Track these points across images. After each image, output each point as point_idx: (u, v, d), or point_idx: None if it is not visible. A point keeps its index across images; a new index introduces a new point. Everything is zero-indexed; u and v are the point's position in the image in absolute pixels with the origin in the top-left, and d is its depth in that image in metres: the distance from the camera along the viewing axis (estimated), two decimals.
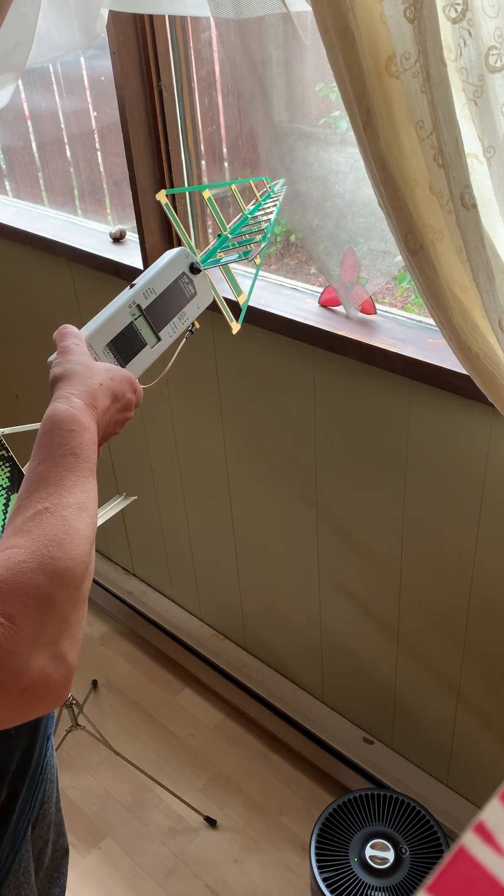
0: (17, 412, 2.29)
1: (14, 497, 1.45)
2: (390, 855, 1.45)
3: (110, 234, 1.74)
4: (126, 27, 1.38)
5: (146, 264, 1.58)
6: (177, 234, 1.59)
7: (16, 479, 1.44)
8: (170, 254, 0.89)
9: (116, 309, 0.85)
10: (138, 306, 0.85)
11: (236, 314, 0.99)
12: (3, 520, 1.46)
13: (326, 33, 0.82)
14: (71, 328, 0.81)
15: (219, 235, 0.99)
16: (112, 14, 1.33)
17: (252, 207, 1.03)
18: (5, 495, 1.44)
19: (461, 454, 1.25)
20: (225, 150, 1.60)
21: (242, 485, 1.71)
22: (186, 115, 1.50)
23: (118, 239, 1.72)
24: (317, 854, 1.46)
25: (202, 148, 1.55)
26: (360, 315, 1.33)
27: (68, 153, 1.90)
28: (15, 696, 0.54)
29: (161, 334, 0.87)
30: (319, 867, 1.44)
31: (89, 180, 1.90)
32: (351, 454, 1.43)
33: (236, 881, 1.70)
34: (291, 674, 1.91)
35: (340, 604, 1.64)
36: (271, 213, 1.02)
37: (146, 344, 0.86)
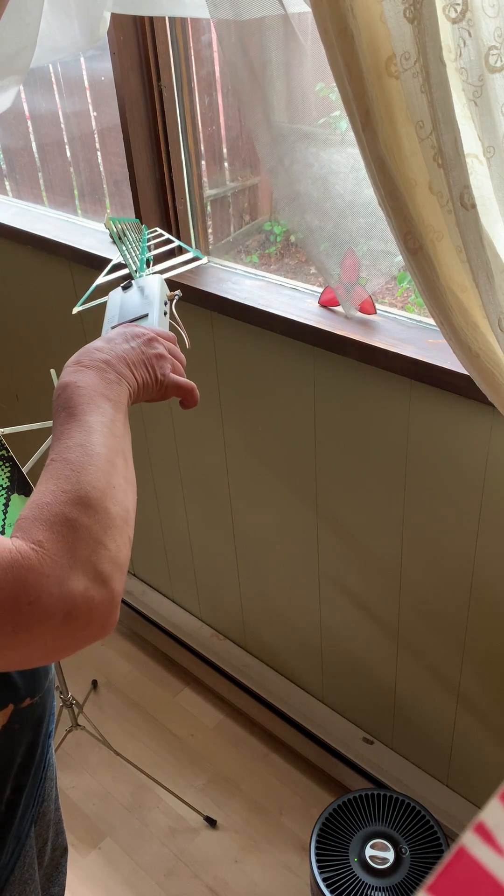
0: (17, 412, 2.29)
1: (14, 497, 1.45)
2: (390, 855, 1.45)
3: (110, 235, 1.74)
4: (126, 28, 1.38)
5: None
6: (177, 233, 1.59)
7: (16, 479, 1.44)
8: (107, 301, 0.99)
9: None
10: (112, 327, 0.92)
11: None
12: (3, 519, 1.46)
13: (326, 34, 0.82)
14: None
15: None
16: (112, 15, 1.33)
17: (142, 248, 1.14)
18: (5, 495, 1.44)
19: (461, 454, 1.25)
20: (225, 150, 1.61)
21: (242, 484, 1.72)
22: (186, 115, 1.50)
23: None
24: (317, 854, 1.46)
25: (202, 148, 1.55)
26: (360, 315, 1.33)
27: (68, 153, 1.90)
28: (59, 622, 0.56)
29: (144, 311, 0.92)
30: (319, 867, 1.44)
31: (89, 180, 1.90)
32: (351, 454, 1.43)
33: (236, 881, 1.70)
34: (291, 674, 1.91)
35: (340, 604, 1.64)
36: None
37: (141, 321, 0.91)
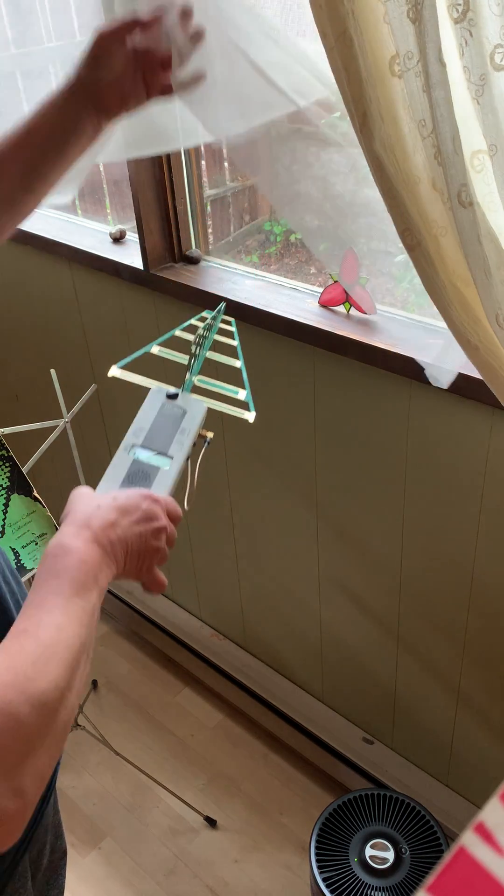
0: (17, 412, 2.29)
1: (14, 497, 1.45)
2: (390, 855, 1.45)
3: (110, 234, 1.74)
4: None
5: (146, 265, 1.58)
6: (177, 233, 1.59)
7: (15, 479, 1.44)
8: (147, 397, 0.92)
9: (116, 457, 0.86)
10: (133, 445, 0.87)
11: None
12: (3, 520, 1.46)
13: (325, 37, 0.83)
14: (79, 487, 0.80)
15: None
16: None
17: (205, 344, 1.05)
18: (5, 495, 1.45)
19: (461, 454, 1.25)
20: (225, 151, 1.60)
21: (242, 484, 1.72)
22: None
23: (118, 239, 1.72)
24: (317, 854, 1.46)
25: (202, 148, 1.55)
26: (360, 315, 1.33)
27: None
28: None
29: (171, 452, 0.87)
30: (319, 867, 1.44)
31: (89, 180, 1.90)
32: (351, 454, 1.43)
33: (236, 881, 1.70)
34: (291, 674, 1.91)
35: (340, 603, 1.64)
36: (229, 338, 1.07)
37: (160, 467, 0.86)
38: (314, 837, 1.48)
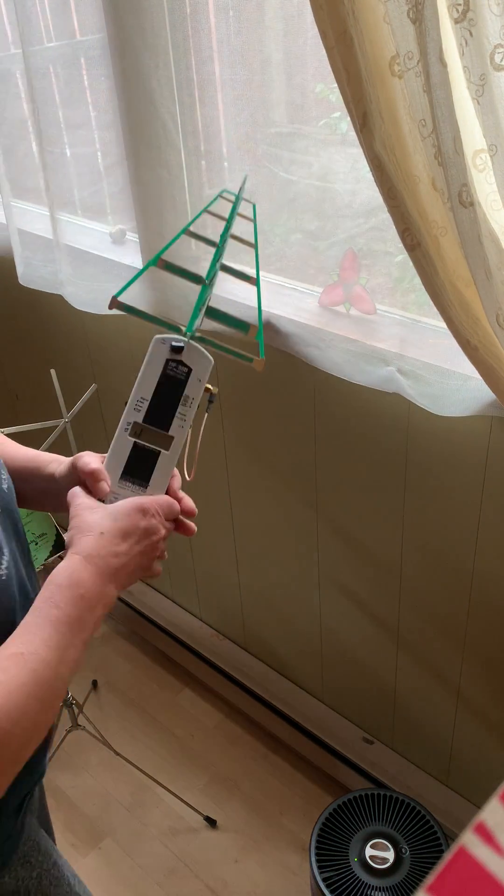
0: (17, 412, 2.29)
1: None
2: (390, 855, 1.45)
3: (110, 234, 1.74)
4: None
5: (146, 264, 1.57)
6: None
7: None
8: (150, 349, 0.83)
9: (116, 437, 0.82)
10: (135, 423, 0.82)
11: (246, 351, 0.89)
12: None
13: (325, 37, 0.83)
14: (74, 489, 0.80)
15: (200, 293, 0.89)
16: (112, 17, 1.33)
17: (222, 233, 0.94)
18: None
19: (461, 454, 1.25)
20: (224, 150, 1.60)
21: (242, 485, 1.72)
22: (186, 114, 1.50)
23: (118, 239, 1.72)
24: (317, 854, 1.46)
25: (202, 147, 1.55)
26: (360, 315, 1.33)
27: (68, 153, 1.89)
28: None
29: (172, 431, 0.82)
30: (319, 867, 1.44)
31: (89, 180, 1.89)
32: (351, 454, 1.43)
33: (236, 881, 1.70)
34: (291, 674, 1.91)
35: (341, 604, 1.64)
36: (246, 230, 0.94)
37: (160, 451, 0.82)
38: (314, 837, 1.48)
